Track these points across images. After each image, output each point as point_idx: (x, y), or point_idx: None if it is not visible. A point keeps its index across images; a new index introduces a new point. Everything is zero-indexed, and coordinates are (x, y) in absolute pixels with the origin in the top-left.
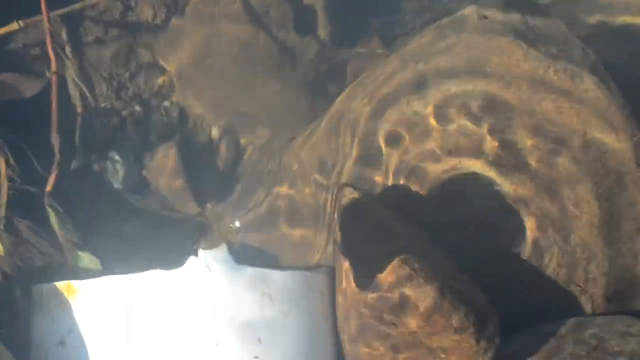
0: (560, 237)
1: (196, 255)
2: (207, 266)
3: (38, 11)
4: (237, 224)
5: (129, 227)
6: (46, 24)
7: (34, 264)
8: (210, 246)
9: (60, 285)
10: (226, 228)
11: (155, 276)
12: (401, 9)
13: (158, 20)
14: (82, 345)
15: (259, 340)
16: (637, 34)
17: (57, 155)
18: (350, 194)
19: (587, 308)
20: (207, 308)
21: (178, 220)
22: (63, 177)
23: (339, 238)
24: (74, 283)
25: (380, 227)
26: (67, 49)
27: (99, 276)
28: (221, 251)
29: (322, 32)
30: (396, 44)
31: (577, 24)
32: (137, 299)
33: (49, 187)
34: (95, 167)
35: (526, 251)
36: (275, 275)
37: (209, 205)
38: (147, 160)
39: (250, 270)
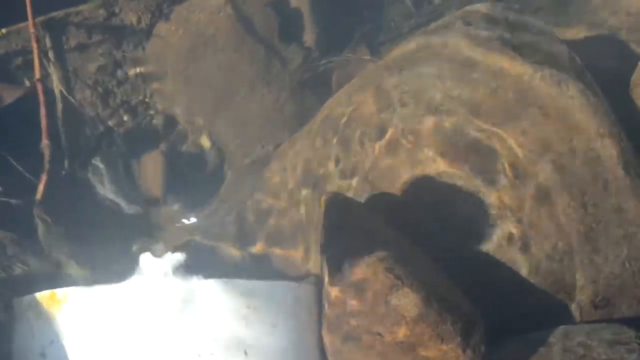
0: (547, 244)
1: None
2: (190, 277)
3: (19, 19)
4: (193, 219)
5: (115, 236)
6: (31, 29)
7: (16, 275)
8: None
9: (42, 296)
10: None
11: (137, 286)
12: (387, 15)
13: (143, 26)
14: (64, 356)
15: (245, 353)
16: (623, 40)
17: (47, 164)
18: (335, 201)
19: (576, 315)
20: (191, 320)
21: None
22: (49, 186)
23: (323, 246)
24: (57, 292)
25: (366, 233)
26: (51, 56)
27: (85, 285)
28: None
29: (308, 39)
30: (382, 50)
31: (564, 29)
32: (119, 309)
33: (38, 196)
34: (81, 175)
35: (514, 258)
36: (260, 286)
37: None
38: (134, 168)
39: (235, 282)
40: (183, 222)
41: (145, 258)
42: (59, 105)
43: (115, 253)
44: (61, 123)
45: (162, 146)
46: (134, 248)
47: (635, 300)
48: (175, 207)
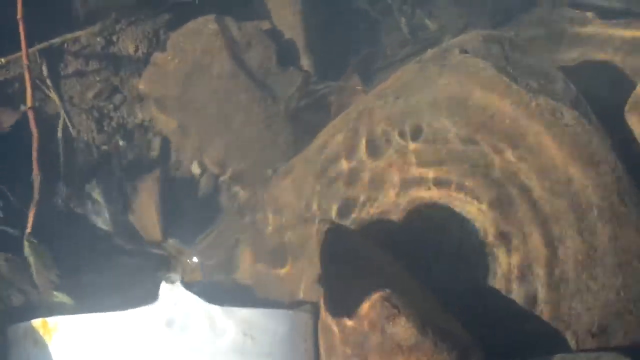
0: (543, 272)
1: (171, 293)
2: (187, 304)
3: (17, 46)
4: (195, 259)
5: (108, 264)
6: (24, 61)
7: (12, 303)
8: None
9: (36, 324)
10: (187, 265)
11: (131, 315)
12: (383, 41)
13: (140, 54)
14: None
15: None
16: (617, 67)
17: (37, 195)
18: (331, 229)
19: (572, 344)
20: (186, 348)
21: (156, 258)
22: (44, 212)
23: (319, 274)
24: (50, 322)
25: (361, 261)
26: (49, 83)
27: (74, 314)
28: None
29: (304, 66)
30: (378, 76)
31: (558, 57)
32: (114, 337)
33: (28, 227)
34: (77, 203)
35: (510, 286)
36: (258, 314)
37: (176, 243)
38: (130, 196)
39: (231, 309)
40: (189, 261)
41: (164, 286)
42: (59, 131)
43: (107, 283)
44: (59, 150)
45: (158, 174)
46: (158, 276)
47: (631, 329)
48: (172, 241)
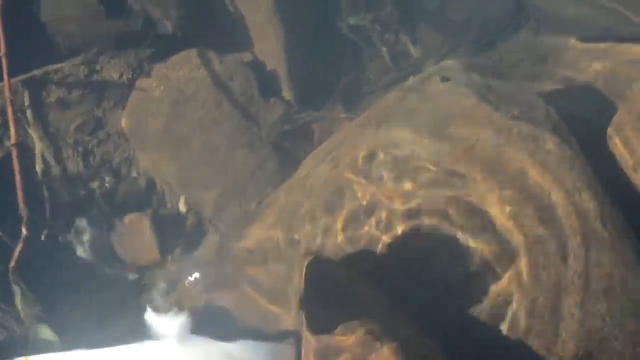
0: (528, 300)
1: (156, 325)
2: (170, 340)
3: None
4: (197, 275)
5: (93, 296)
6: (7, 94)
7: None
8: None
9: None
10: (185, 289)
11: (113, 353)
12: (366, 69)
13: (124, 82)
14: None
15: None
16: (599, 91)
17: (25, 230)
18: (314, 261)
19: None
20: None
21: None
22: (29, 247)
23: (303, 307)
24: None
25: (345, 293)
26: (29, 115)
27: (59, 350)
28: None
29: (287, 95)
30: (361, 104)
31: (541, 83)
32: None
33: (12, 262)
34: (62, 237)
35: (495, 314)
36: (241, 347)
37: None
38: (118, 228)
39: (215, 343)
40: (189, 279)
41: (150, 316)
42: (39, 167)
43: (92, 315)
44: (42, 184)
45: (145, 205)
46: (144, 304)
47: (615, 354)
48: (169, 260)
